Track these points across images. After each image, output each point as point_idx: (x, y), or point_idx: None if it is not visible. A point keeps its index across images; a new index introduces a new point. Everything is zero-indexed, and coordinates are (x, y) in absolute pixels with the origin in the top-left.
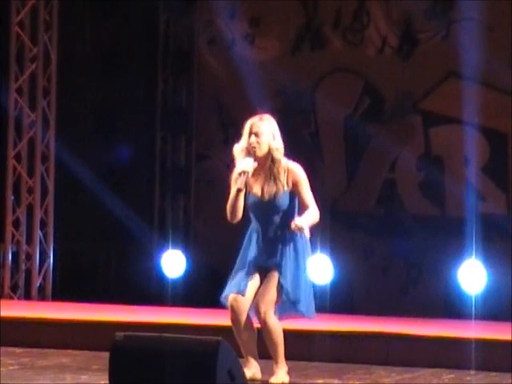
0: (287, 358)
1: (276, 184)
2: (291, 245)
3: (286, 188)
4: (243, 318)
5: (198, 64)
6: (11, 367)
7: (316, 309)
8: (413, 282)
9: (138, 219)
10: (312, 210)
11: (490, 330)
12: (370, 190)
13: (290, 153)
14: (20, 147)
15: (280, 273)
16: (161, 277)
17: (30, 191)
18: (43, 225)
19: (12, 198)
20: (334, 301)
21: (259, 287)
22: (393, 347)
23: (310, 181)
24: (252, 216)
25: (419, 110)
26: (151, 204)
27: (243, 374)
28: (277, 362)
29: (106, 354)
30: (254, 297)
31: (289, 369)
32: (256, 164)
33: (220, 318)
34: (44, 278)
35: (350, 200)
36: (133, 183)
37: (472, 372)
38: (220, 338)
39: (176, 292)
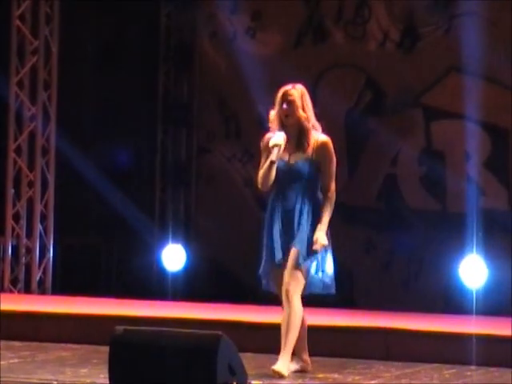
0: None
1: (303, 152)
2: (311, 216)
3: (313, 158)
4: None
5: (199, 57)
6: (11, 361)
7: (317, 304)
8: (413, 276)
9: (138, 213)
10: (327, 205)
11: (490, 325)
12: (371, 185)
13: None
14: (20, 140)
15: (303, 251)
16: (161, 271)
17: (31, 185)
18: (43, 218)
19: (12, 191)
20: (334, 295)
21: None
22: (393, 342)
23: None
24: (276, 184)
25: (420, 105)
26: (152, 198)
27: (244, 368)
28: (283, 349)
29: (106, 348)
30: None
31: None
32: (286, 137)
33: (220, 312)
34: (44, 272)
35: (351, 194)
36: (133, 177)
37: (472, 367)
38: (220, 333)
39: (176, 286)
